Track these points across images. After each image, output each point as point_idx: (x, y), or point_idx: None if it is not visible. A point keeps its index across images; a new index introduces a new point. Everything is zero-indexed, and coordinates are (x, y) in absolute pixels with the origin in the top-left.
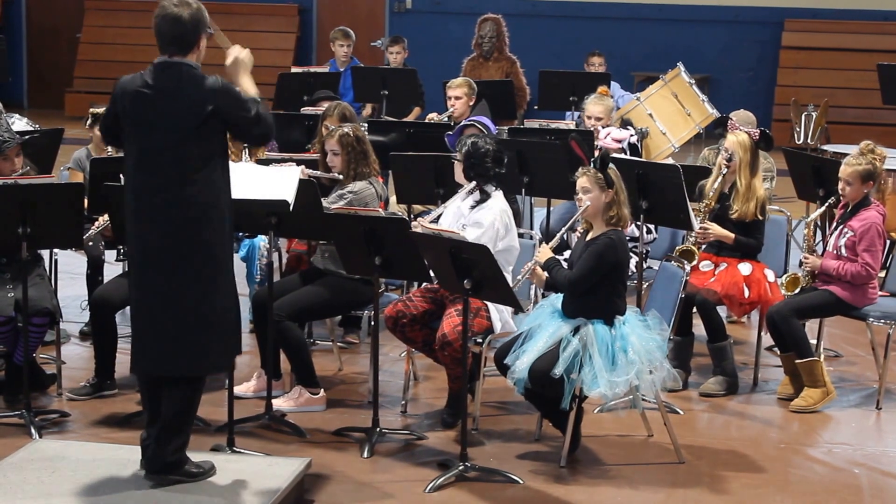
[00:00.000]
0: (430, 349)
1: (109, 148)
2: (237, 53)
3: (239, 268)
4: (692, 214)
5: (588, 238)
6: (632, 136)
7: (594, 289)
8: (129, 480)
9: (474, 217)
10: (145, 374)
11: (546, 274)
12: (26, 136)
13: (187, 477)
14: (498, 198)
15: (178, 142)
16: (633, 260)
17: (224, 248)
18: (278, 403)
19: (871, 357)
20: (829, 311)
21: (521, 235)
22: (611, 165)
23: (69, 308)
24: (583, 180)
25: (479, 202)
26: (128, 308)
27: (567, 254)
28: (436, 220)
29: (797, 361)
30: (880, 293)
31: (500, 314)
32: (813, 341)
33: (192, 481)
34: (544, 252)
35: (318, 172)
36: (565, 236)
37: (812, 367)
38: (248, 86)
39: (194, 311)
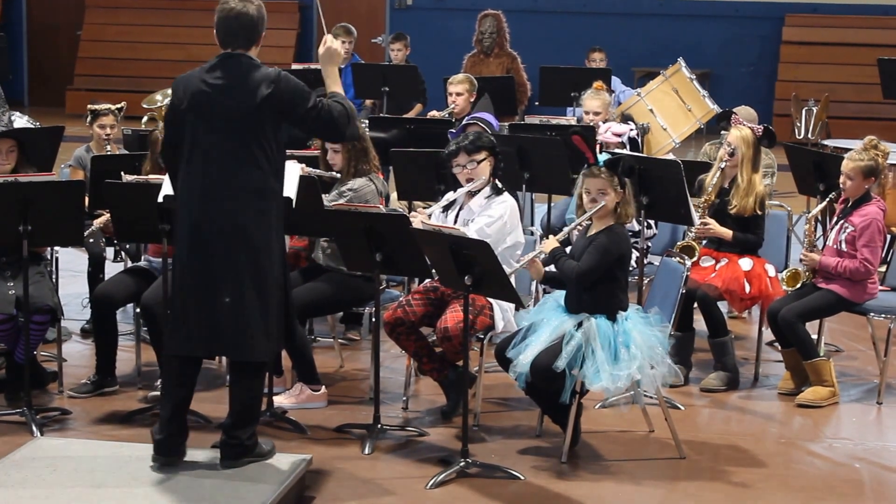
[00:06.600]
0: (420, 359)
1: (109, 147)
2: (331, 42)
3: None
4: (693, 210)
5: (589, 234)
6: (632, 130)
7: (597, 283)
8: (130, 478)
9: (488, 211)
10: (200, 359)
11: (545, 267)
12: (14, 128)
13: (259, 457)
14: (506, 192)
15: (234, 130)
16: (634, 255)
17: (275, 241)
18: (279, 400)
19: (871, 352)
20: (831, 311)
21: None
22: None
23: (70, 306)
24: (598, 182)
25: (492, 195)
26: (129, 305)
27: (567, 250)
28: (446, 208)
29: (805, 362)
30: (881, 288)
31: (503, 314)
32: (814, 336)
33: (262, 460)
34: (550, 242)
35: (318, 171)
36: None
37: (820, 367)
38: (333, 78)
39: (251, 297)
